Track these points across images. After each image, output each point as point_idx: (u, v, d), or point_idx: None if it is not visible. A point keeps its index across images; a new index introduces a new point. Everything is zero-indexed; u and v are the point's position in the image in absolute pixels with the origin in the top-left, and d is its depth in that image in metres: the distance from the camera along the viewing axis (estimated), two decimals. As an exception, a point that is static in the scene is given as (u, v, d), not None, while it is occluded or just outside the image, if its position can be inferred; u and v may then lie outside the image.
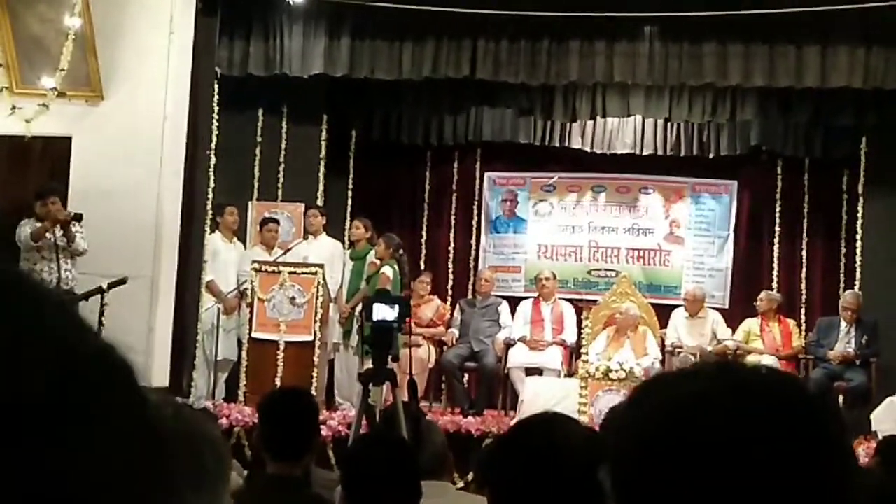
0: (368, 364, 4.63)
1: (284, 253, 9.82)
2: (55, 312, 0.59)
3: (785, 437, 0.96)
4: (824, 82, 9.47)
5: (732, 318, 10.77)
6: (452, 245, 12.28)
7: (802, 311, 11.37)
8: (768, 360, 9.94)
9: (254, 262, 9.49)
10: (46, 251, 8.48)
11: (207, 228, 9.80)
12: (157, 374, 8.76)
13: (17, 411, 0.53)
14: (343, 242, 10.67)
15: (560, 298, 10.79)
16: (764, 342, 10.24)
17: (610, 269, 11.89)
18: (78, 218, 8.48)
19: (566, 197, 12.15)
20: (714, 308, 10.86)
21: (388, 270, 9.63)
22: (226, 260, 9.93)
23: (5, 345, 0.55)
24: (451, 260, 12.23)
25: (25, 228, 8.49)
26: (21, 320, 0.56)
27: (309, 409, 3.94)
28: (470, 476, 7.99)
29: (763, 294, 10.59)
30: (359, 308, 8.79)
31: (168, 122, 9.18)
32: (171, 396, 1.24)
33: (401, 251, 9.94)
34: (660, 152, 11.58)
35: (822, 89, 9.75)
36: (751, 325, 10.40)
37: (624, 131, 11.65)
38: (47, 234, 8.42)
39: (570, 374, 9.91)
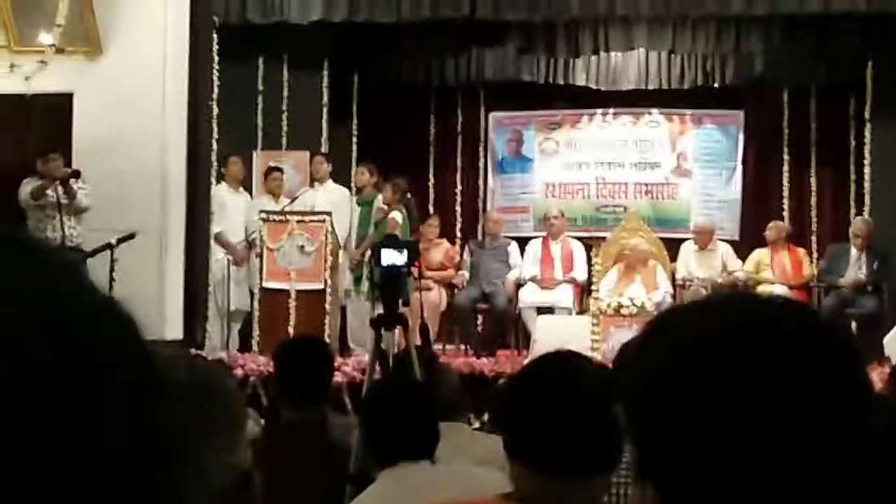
0: (380, 310, 4.64)
1: (291, 202, 9.81)
2: (56, 269, 0.59)
3: (803, 374, 0.94)
4: (828, 7, 9.38)
5: (743, 249, 10.76)
6: (460, 187, 12.27)
7: (813, 239, 11.36)
8: (779, 290, 9.94)
9: (261, 211, 9.48)
10: (49, 209, 8.49)
11: (213, 179, 9.79)
12: (171, 326, 8.82)
13: (23, 367, 0.54)
14: (349, 189, 10.66)
15: (569, 236, 10.78)
16: (774, 272, 10.24)
17: (618, 204, 11.88)
18: (76, 174, 8.48)
19: (571, 134, 12.11)
20: (724, 240, 10.84)
21: (396, 215, 9.63)
22: (233, 210, 9.94)
23: (8, 303, 0.55)
24: (458, 202, 12.23)
25: (26, 187, 8.50)
26: (22, 278, 0.56)
27: (323, 356, 3.98)
28: (486, 416, 8.05)
29: (772, 224, 10.57)
30: (368, 254, 8.80)
31: (168, 74, 9.16)
32: (186, 349, 1.25)
33: (408, 195, 9.93)
34: (664, 86, 11.51)
35: (825, 15, 9.65)
36: (761, 255, 10.39)
37: (628, 65, 11.58)
38: (48, 193, 8.43)
39: (582, 312, 9.93)
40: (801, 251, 10.57)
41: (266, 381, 8.19)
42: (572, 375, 1.94)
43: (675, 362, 0.97)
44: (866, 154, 10.63)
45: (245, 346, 9.50)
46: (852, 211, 11.04)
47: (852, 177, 11.26)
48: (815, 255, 10.93)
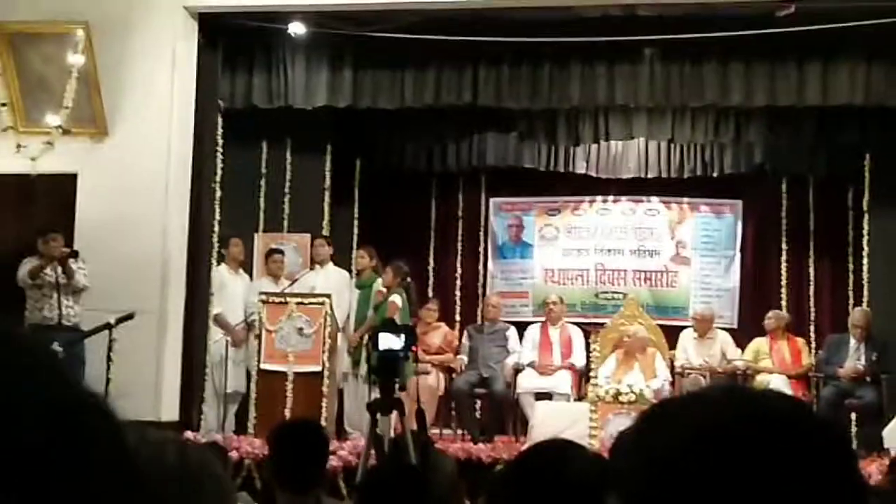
0: (377, 394, 4.62)
1: (291, 283, 9.81)
2: (45, 366, 0.60)
3: (796, 469, 0.95)
4: (826, 100, 9.49)
5: (741, 337, 10.74)
6: (459, 272, 12.28)
7: (811, 329, 11.34)
8: (778, 380, 9.92)
9: (261, 293, 9.48)
10: (47, 288, 8.51)
11: (214, 261, 9.81)
12: (167, 407, 8.77)
13: (13, 463, 0.55)
14: (349, 272, 10.67)
15: (568, 322, 10.77)
16: (773, 361, 10.21)
17: (617, 291, 11.89)
18: (74, 254, 8.51)
19: (572, 221, 12.16)
20: (722, 328, 10.83)
21: (396, 298, 9.63)
22: (233, 292, 9.94)
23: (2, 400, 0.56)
24: (458, 286, 12.23)
25: (25, 267, 8.53)
26: (14, 376, 0.57)
27: (319, 439, 3.95)
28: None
29: (771, 313, 10.56)
30: (366, 337, 8.78)
31: (173, 156, 9.22)
32: (176, 433, 1.23)
33: (408, 279, 9.95)
34: (664, 174, 11.60)
35: (824, 107, 9.76)
36: (760, 344, 10.37)
37: (628, 154, 11.68)
38: (46, 272, 8.45)
39: (580, 398, 9.88)
40: (801, 341, 10.56)
41: (261, 463, 8.12)
42: (567, 464, 1.93)
43: (671, 453, 0.98)
44: (864, 244, 10.67)
45: (241, 429, 9.42)
46: (850, 301, 11.04)
47: (850, 267, 11.28)
48: (812, 344, 10.89)
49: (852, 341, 9.81)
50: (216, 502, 1.33)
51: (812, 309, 11.53)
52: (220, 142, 9.86)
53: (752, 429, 0.98)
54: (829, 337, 10.36)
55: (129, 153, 9.09)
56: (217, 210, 9.85)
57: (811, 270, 11.63)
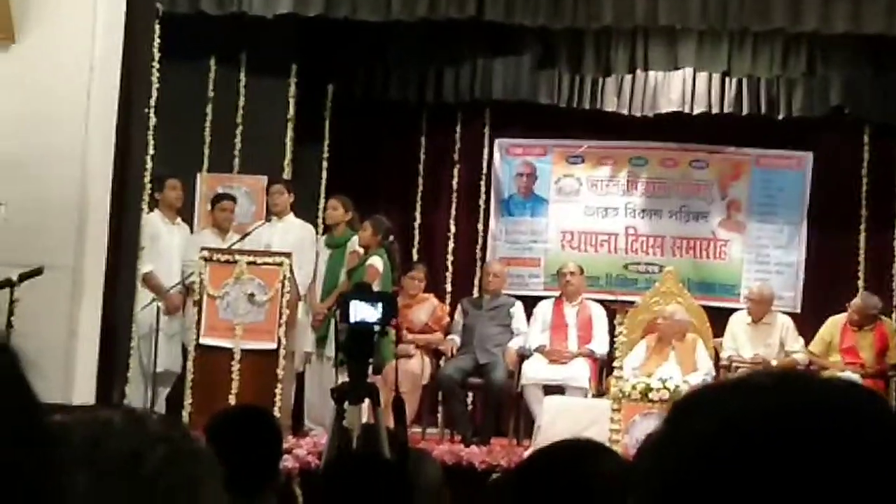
0: (344, 377, 4.60)
1: (242, 238, 9.81)
2: None
3: (863, 469, 0.95)
4: (924, 29, 9.44)
5: (805, 324, 10.75)
6: (453, 230, 12.28)
7: (894, 316, 11.34)
8: (848, 378, 9.92)
9: (203, 249, 9.47)
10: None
11: (145, 207, 9.78)
12: (81, 387, 8.74)
13: None
14: (316, 226, 10.65)
15: (588, 299, 10.79)
16: (844, 357, 10.21)
17: (652, 262, 11.90)
18: None
19: (598, 171, 12.14)
20: (783, 312, 10.84)
21: (376, 261, 9.63)
22: (167, 246, 9.94)
23: None
24: (451, 249, 12.23)
25: None
26: None
27: (268, 432, 3.93)
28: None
29: (860, 299, 10.44)
30: (336, 307, 8.78)
31: (96, 74, 9.15)
32: (174, 432, 1.18)
33: (391, 238, 9.93)
34: (715, 111, 11.54)
35: (921, 37, 9.71)
36: (832, 332, 10.35)
37: (671, 89, 11.64)
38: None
39: (600, 394, 9.92)
40: (891, 326, 10.50)
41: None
42: (590, 472, 1.89)
43: (700, 448, 1.00)
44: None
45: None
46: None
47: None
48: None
49: None
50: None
51: (895, 292, 11.54)
52: (157, 56, 9.79)
53: (803, 421, 0.98)
54: None
55: (40, 68, 9.01)
56: (151, 143, 9.80)
57: (896, 243, 11.64)
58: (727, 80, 11.50)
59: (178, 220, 10.21)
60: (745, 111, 11.54)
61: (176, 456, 1.27)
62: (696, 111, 11.58)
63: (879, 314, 10.47)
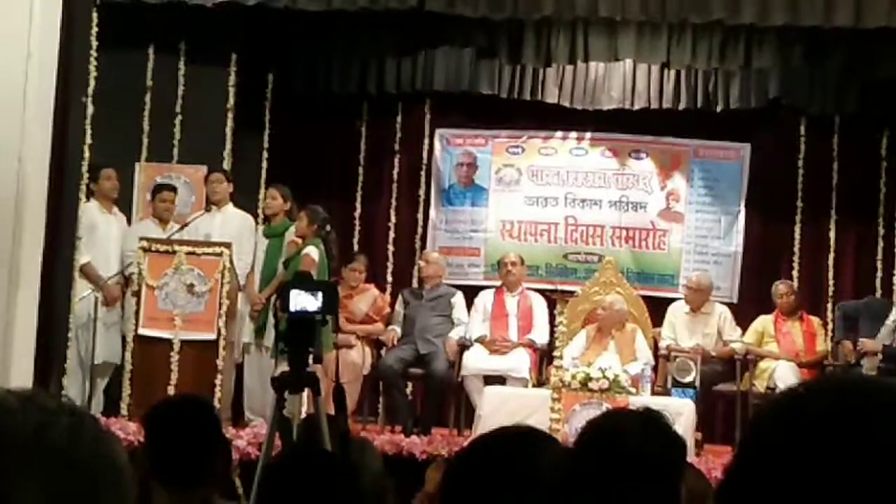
0: (284, 367, 4.59)
1: (181, 228, 9.76)
2: None
3: None
4: (860, 21, 9.51)
5: (742, 314, 10.86)
6: (394, 220, 12.26)
7: (829, 306, 11.46)
8: (785, 367, 10.04)
9: (142, 239, 9.41)
10: None
11: (83, 196, 9.70)
12: (18, 379, 8.64)
13: None
14: (256, 216, 10.60)
15: (528, 289, 10.80)
16: (780, 345, 10.33)
17: (591, 252, 11.93)
18: None
19: (537, 161, 12.15)
20: (721, 302, 10.92)
21: (311, 251, 9.60)
22: (104, 236, 9.88)
23: None
24: (391, 239, 12.21)
25: None
26: None
27: (208, 422, 3.90)
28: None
29: (781, 284, 10.66)
30: (275, 297, 8.75)
31: (33, 62, 9.04)
32: (71, 404, 1.19)
33: (328, 227, 9.91)
34: (654, 106, 11.61)
35: (857, 30, 9.78)
36: (765, 323, 10.49)
37: (611, 80, 11.68)
38: None
39: (540, 384, 9.94)
40: (816, 321, 10.69)
41: (136, 453, 8.06)
42: (532, 458, 1.89)
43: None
44: (899, 202, 10.80)
45: (112, 409, 9.39)
46: (879, 272, 11.17)
47: (881, 230, 11.40)
48: (829, 325, 11.02)
49: (893, 315, 9.85)
50: (107, 497, 1.27)
51: (831, 281, 11.65)
52: (95, 45, 9.70)
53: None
54: (844, 306, 10.50)
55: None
56: (89, 133, 9.71)
57: (832, 233, 11.74)
58: (666, 72, 11.55)
59: (115, 210, 10.14)
60: (683, 105, 11.60)
61: (80, 426, 1.26)
62: (637, 107, 11.62)
63: (798, 304, 10.58)
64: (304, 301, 4.47)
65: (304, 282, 4.71)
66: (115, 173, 10.08)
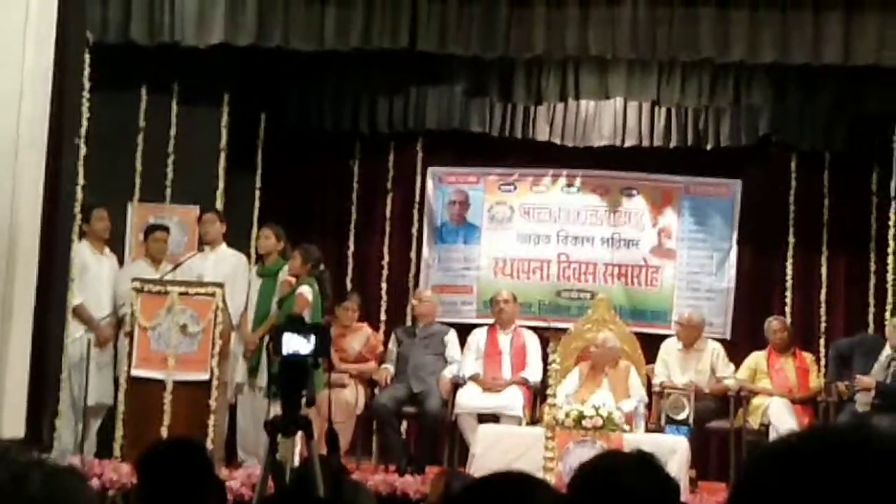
0: (277, 409, 4.58)
1: (174, 268, 9.75)
2: None
3: None
4: (849, 59, 9.55)
5: (735, 350, 10.86)
6: (387, 259, 12.26)
7: (821, 341, 11.46)
8: (779, 403, 10.03)
9: (134, 279, 9.40)
10: None
11: (75, 237, 9.70)
12: (10, 421, 8.63)
13: None
14: (249, 255, 10.60)
15: (521, 326, 10.80)
16: (774, 381, 10.33)
17: (584, 289, 11.93)
18: None
19: (530, 199, 12.17)
20: (713, 338, 10.92)
21: (305, 290, 9.60)
22: (97, 277, 9.86)
23: None
24: (384, 278, 12.21)
25: None
26: None
27: (200, 464, 3.90)
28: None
29: (773, 321, 10.66)
30: (268, 338, 8.74)
31: (25, 100, 9.06)
32: (42, 459, 1.22)
33: (321, 266, 9.91)
34: (645, 143, 11.65)
35: (846, 67, 9.83)
36: (757, 359, 10.49)
37: (601, 118, 11.72)
38: None
39: (534, 422, 9.92)
40: (809, 357, 10.69)
41: (129, 496, 8.04)
42: (524, 502, 1.89)
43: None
44: (890, 238, 10.79)
45: (105, 451, 9.36)
46: (871, 307, 11.18)
47: (872, 266, 11.42)
48: (822, 362, 11.02)
49: (886, 352, 9.87)
50: None
51: (823, 317, 11.66)
52: (88, 86, 9.73)
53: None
54: (838, 344, 10.51)
55: (-31, 95, 8.91)
56: (81, 173, 9.72)
57: (823, 269, 11.75)
58: (657, 110, 11.58)
59: (107, 250, 10.11)
60: (674, 143, 11.64)
61: (54, 475, 1.29)
62: (628, 144, 11.66)
63: (791, 340, 10.59)
64: (296, 344, 4.47)
65: (297, 325, 4.72)
66: (106, 213, 10.06)
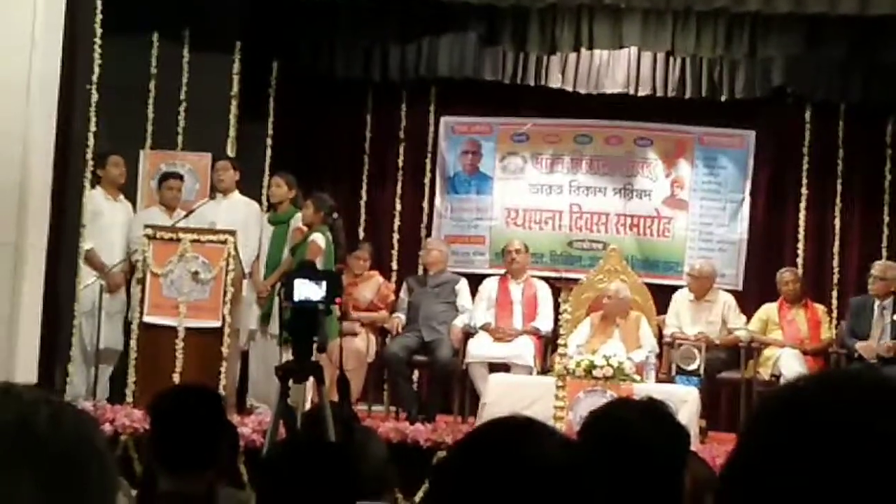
0: (288, 356, 4.60)
1: (186, 216, 9.76)
2: None
3: None
4: (866, 8, 9.50)
5: (746, 301, 10.85)
6: (399, 208, 12.26)
7: (833, 293, 11.46)
8: (790, 355, 10.04)
9: (146, 226, 9.41)
10: None
11: (87, 183, 9.70)
12: (22, 367, 8.67)
13: None
14: (261, 203, 10.60)
15: (533, 276, 10.81)
16: (785, 333, 10.33)
17: (596, 239, 11.93)
18: None
19: (542, 149, 12.15)
20: (725, 289, 10.92)
21: (318, 238, 9.60)
22: (109, 223, 9.88)
23: None
24: (396, 227, 12.21)
25: None
26: None
27: (213, 409, 3.91)
28: (418, 497, 7.98)
29: (785, 271, 10.66)
30: (280, 285, 8.76)
31: (37, 49, 9.04)
32: (47, 393, 1.22)
33: (334, 215, 9.91)
34: (659, 94, 11.59)
35: (862, 17, 9.78)
36: (769, 311, 10.48)
37: (615, 67, 11.65)
38: None
39: (545, 371, 9.95)
40: (821, 308, 10.68)
41: (141, 441, 8.09)
42: (531, 450, 1.89)
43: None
44: (904, 190, 10.77)
45: (117, 396, 9.41)
46: (883, 259, 11.15)
47: (886, 217, 11.39)
48: (834, 313, 11.03)
49: (875, 305, 9.91)
50: (94, 484, 1.29)
51: (836, 269, 11.65)
52: (99, 32, 9.69)
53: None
54: (852, 300, 10.49)
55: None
56: (93, 119, 9.71)
57: (837, 221, 11.73)
58: (671, 60, 11.53)
59: (121, 197, 10.13)
60: (688, 93, 11.58)
61: (60, 413, 1.28)
62: (641, 93, 11.61)
63: (802, 292, 10.58)
64: (308, 290, 4.48)
65: (308, 271, 4.72)
66: (122, 160, 10.08)
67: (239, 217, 10.00)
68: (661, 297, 10.77)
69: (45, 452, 1.24)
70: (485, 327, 10.39)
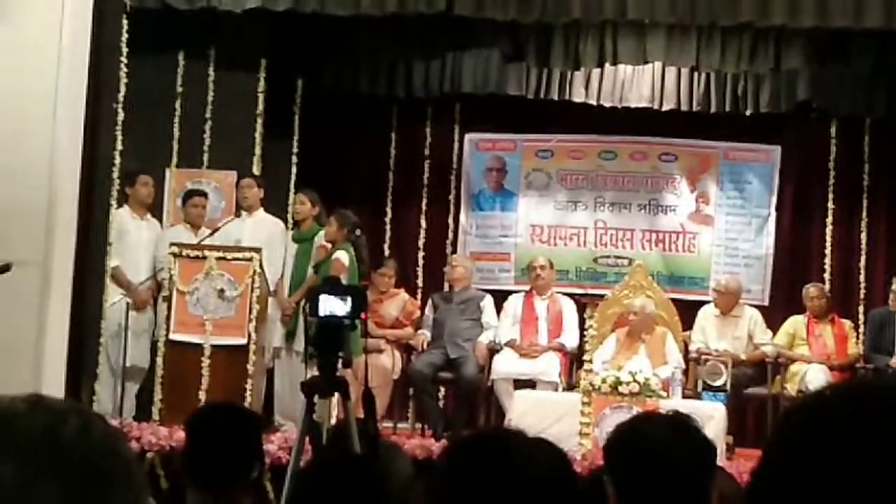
0: (314, 372, 4.60)
1: (212, 233, 9.79)
2: None
3: None
4: (890, 23, 9.47)
5: (772, 317, 10.82)
6: (424, 225, 12.28)
7: (860, 308, 11.42)
8: (816, 370, 10.00)
9: (172, 244, 9.44)
10: None
11: (114, 202, 9.74)
12: (50, 384, 8.70)
13: None
14: (285, 221, 10.63)
15: (558, 292, 10.80)
16: (812, 348, 10.29)
17: (621, 255, 11.92)
18: None
19: (567, 165, 12.15)
20: (751, 305, 10.89)
21: (342, 255, 9.62)
22: (136, 241, 9.92)
23: None
24: (421, 244, 12.23)
25: None
26: None
27: (250, 429, 3.93)
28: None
29: (812, 287, 10.62)
30: (304, 302, 8.77)
31: (63, 66, 9.09)
32: (77, 405, 1.23)
33: (358, 231, 9.93)
34: (684, 108, 11.59)
35: (887, 31, 9.74)
36: (796, 324, 10.44)
37: (639, 82, 11.66)
38: None
39: (570, 388, 9.93)
40: (847, 324, 10.65)
41: (167, 458, 8.10)
42: (512, 463, 1.90)
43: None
44: (931, 205, 10.73)
45: (143, 414, 9.41)
46: (911, 274, 11.12)
47: (913, 233, 11.37)
48: (861, 328, 10.98)
49: None
50: (121, 495, 1.30)
51: (863, 284, 11.61)
52: (125, 51, 9.75)
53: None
54: (872, 314, 10.46)
55: (6, 63, 8.95)
56: (119, 139, 9.76)
57: (863, 235, 11.70)
58: (696, 75, 11.52)
59: (148, 215, 10.17)
60: (713, 108, 11.57)
61: (89, 424, 1.29)
62: (666, 108, 11.60)
63: (829, 307, 10.55)
64: (333, 306, 4.48)
65: (334, 286, 4.73)
66: (150, 179, 10.14)
67: (264, 235, 10.03)
68: (687, 312, 10.75)
69: (73, 462, 1.25)
70: (510, 344, 10.39)
